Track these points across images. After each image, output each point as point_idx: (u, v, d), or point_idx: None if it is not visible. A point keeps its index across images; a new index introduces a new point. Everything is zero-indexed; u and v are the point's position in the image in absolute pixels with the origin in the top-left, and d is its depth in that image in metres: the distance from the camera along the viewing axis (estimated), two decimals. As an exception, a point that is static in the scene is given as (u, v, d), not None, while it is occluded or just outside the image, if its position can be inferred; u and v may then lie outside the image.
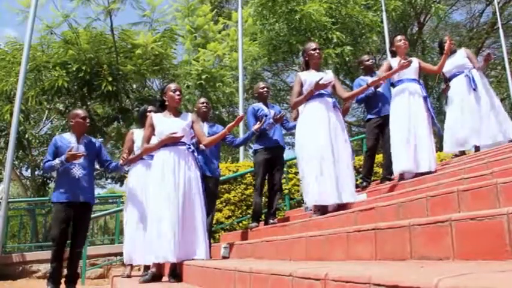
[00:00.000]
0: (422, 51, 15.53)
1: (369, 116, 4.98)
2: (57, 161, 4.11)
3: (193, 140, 3.91)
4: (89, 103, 11.29)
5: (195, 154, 3.66)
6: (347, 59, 12.21)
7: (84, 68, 10.05)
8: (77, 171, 4.21)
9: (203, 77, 11.07)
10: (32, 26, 7.33)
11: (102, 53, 10.57)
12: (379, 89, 4.83)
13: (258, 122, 4.47)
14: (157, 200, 3.40)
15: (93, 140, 4.54)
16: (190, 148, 3.62)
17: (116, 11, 10.62)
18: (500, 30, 11.91)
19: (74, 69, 10.01)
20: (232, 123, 3.68)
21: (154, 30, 11.48)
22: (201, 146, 3.95)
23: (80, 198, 4.19)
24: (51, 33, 10.56)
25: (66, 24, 10.46)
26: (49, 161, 4.20)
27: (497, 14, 12.30)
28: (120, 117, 11.10)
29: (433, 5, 13.74)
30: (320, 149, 3.55)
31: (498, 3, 13.22)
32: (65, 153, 4.10)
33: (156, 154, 3.59)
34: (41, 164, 7.45)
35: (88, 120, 4.44)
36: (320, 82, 3.67)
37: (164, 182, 3.42)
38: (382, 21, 11.35)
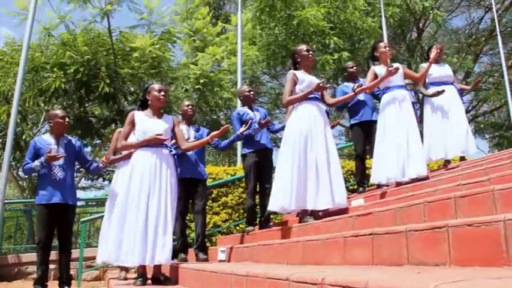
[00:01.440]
0: (421, 58, 15.56)
1: (352, 122, 5.11)
2: (36, 162, 4.09)
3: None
4: (86, 105, 11.25)
5: (175, 157, 3.61)
6: (345, 65, 12.19)
7: (82, 69, 10.02)
8: (58, 172, 4.19)
9: (201, 81, 11.05)
10: (31, 28, 7.32)
11: (100, 54, 10.54)
12: (361, 97, 4.86)
13: (244, 125, 4.42)
14: (133, 201, 3.33)
15: (73, 140, 4.49)
16: (171, 151, 3.59)
17: (113, 12, 10.61)
18: (499, 37, 11.95)
19: (72, 70, 9.99)
20: (216, 132, 3.64)
21: (152, 33, 11.47)
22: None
23: (61, 200, 4.17)
24: (49, 35, 10.54)
25: (63, 26, 10.46)
26: (28, 163, 4.17)
27: (496, 21, 12.34)
28: (118, 119, 11.07)
29: (431, 12, 13.76)
30: (314, 153, 3.56)
31: (497, 10, 13.27)
32: (44, 154, 4.06)
33: (137, 153, 3.50)
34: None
35: (67, 120, 4.38)
36: (321, 84, 3.68)
37: (143, 184, 3.34)
38: (380, 27, 11.37)
